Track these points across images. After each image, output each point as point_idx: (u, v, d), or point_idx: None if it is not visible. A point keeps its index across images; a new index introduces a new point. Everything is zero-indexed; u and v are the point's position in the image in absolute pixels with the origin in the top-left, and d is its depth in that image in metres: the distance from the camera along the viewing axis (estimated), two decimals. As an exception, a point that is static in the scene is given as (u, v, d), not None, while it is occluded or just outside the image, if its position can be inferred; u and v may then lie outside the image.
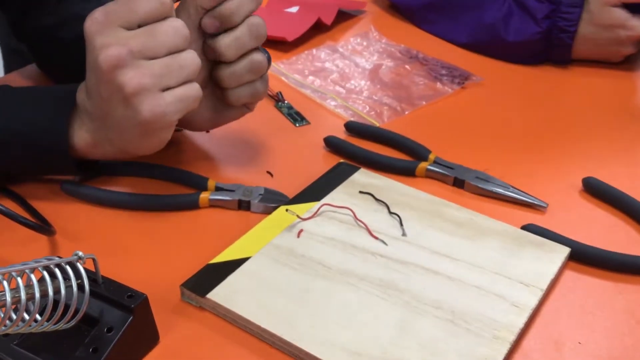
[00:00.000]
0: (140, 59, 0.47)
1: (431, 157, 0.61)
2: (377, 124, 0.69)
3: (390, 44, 0.85)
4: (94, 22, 0.48)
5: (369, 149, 0.63)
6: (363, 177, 0.59)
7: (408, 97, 0.74)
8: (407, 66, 0.80)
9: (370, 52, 0.83)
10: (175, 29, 0.48)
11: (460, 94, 0.75)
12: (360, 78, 0.77)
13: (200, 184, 0.57)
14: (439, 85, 0.76)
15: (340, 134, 0.66)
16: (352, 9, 0.94)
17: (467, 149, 0.65)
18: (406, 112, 0.71)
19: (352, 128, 0.67)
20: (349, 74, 0.77)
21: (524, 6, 0.80)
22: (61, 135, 0.51)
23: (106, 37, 0.47)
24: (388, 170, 0.61)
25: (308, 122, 0.68)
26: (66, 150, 0.52)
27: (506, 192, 0.58)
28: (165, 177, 0.59)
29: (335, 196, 0.56)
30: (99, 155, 0.53)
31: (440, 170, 0.60)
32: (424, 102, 0.73)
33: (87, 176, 0.58)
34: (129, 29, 0.48)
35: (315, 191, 0.56)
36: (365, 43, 0.85)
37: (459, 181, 0.59)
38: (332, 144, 0.64)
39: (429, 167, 0.60)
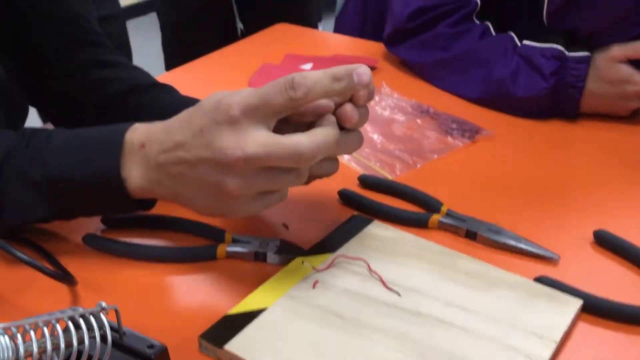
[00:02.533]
0: (253, 170, 0.47)
1: (443, 209, 0.63)
2: (390, 177, 0.70)
3: (402, 99, 0.87)
4: (228, 114, 0.47)
5: (382, 202, 0.64)
6: (377, 229, 0.60)
7: (420, 150, 0.75)
8: (418, 120, 0.82)
9: (383, 107, 0.85)
10: (298, 178, 0.49)
11: (470, 147, 0.77)
12: (373, 132, 0.79)
13: (218, 236, 0.59)
14: (449, 139, 0.78)
15: (354, 187, 0.68)
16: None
17: (478, 201, 0.66)
18: (418, 165, 0.72)
19: (366, 181, 0.68)
20: (362, 129, 0.79)
21: (532, 62, 0.82)
22: (115, 181, 0.52)
23: (235, 135, 0.47)
24: (401, 223, 0.62)
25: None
26: (123, 195, 0.52)
27: (518, 245, 0.59)
28: (184, 229, 0.60)
29: (350, 248, 0.57)
30: (153, 196, 0.54)
31: (453, 223, 0.61)
32: (435, 156, 0.74)
33: (145, 210, 0.57)
34: (264, 125, 0.48)
35: (330, 243, 0.58)
36: (377, 98, 0.87)
37: (471, 233, 0.60)
38: (346, 197, 0.65)
39: (442, 219, 0.61)
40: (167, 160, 0.51)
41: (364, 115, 0.53)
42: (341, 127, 0.53)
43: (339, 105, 0.52)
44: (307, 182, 0.58)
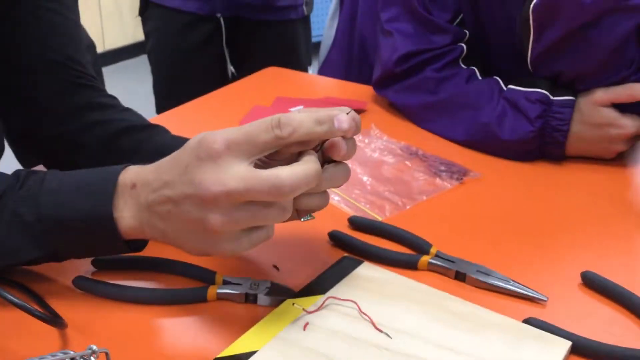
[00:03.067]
0: (234, 205, 0.48)
1: (432, 250, 0.63)
2: (380, 219, 0.71)
3: (391, 141, 0.89)
4: (210, 148, 0.48)
5: (372, 243, 0.64)
6: (367, 270, 0.60)
7: (409, 192, 0.76)
8: (407, 162, 0.83)
9: (372, 149, 0.86)
10: (281, 213, 0.49)
11: (459, 189, 0.78)
12: (363, 174, 0.80)
13: (208, 278, 0.59)
14: (438, 180, 0.79)
15: (345, 228, 0.68)
16: (354, 108, 0.98)
17: (467, 242, 0.67)
18: (407, 207, 0.73)
19: (356, 222, 0.69)
20: (352, 170, 0.81)
21: (517, 106, 0.84)
22: (108, 222, 0.52)
23: (216, 170, 0.48)
24: (391, 264, 0.62)
25: (313, 217, 0.71)
26: (115, 235, 0.53)
27: (507, 286, 0.59)
28: (174, 271, 0.60)
29: (340, 289, 0.57)
30: (144, 237, 0.55)
31: (442, 264, 0.61)
32: (424, 197, 0.75)
33: (136, 251, 0.58)
34: (246, 160, 0.49)
35: (321, 284, 0.58)
36: (367, 140, 0.88)
37: (460, 274, 0.61)
38: (336, 239, 0.66)
39: (431, 260, 0.62)
40: (155, 200, 0.51)
41: (352, 148, 0.54)
42: (330, 160, 0.54)
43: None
44: (299, 217, 0.59)
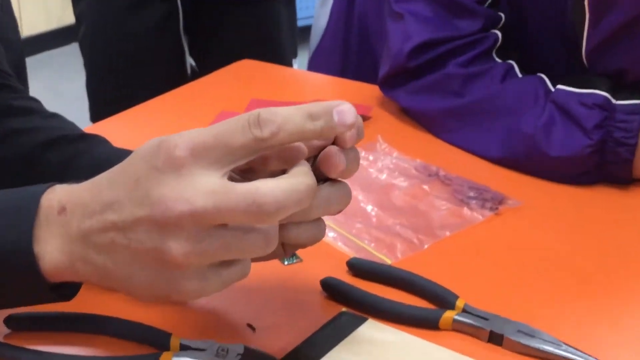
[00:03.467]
0: (203, 230, 0.48)
1: (459, 304, 0.64)
2: (389, 262, 0.71)
3: (403, 158, 0.89)
4: (171, 155, 0.48)
5: (378, 294, 0.65)
6: (372, 330, 0.60)
7: (427, 226, 0.77)
8: (425, 186, 0.84)
9: (378, 169, 0.87)
10: (262, 242, 0.49)
11: (493, 221, 0.78)
12: (366, 202, 0.81)
13: (161, 341, 0.59)
14: (466, 210, 0.79)
15: (342, 274, 0.69)
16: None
17: (504, 293, 0.67)
18: (425, 246, 0.74)
19: (357, 267, 0.69)
20: (353, 196, 0.81)
21: (569, 113, 0.85)
22: (25, 258, 0.51)
23: (179, 183, 0.48)
24: (404, 322, 0.62)
25: (300, 259, 0.71)
26: (36, 276, 0.52)
27: (558, 351, 0.60)
28: (116, 331, 0.60)
29: (337, 355, 0.57)
30: (76, 279, 0.54)
31: (472, 322, 0.62)
32: (447, 233, 0.76)
33: (66, 299, 0.57)
34: (217, 170, 0.49)
35: (311, 350, 0.58)
36: (371, 157, 0.89)
37: (496, 336, 0.61)
38: (331, 288, 0.66)
39: (457, 317, 0.62)
40: (93, 227, 0.51)
41: (353, 161, 0.54)
42: (325, 178, 0.54)
43: (319, 149, 0.54)
44: (286, 254, 0.59)
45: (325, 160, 0.53)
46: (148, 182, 0.49)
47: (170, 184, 0.48)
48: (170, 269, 0.49)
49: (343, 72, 1.19)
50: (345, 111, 0.51)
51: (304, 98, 1.06)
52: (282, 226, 0.53)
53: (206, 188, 0.48)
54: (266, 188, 0.48)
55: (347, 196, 0.55)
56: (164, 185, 0.48)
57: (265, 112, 0.49)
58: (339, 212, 0.56)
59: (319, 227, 0.55)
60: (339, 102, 0.51)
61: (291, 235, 0.54)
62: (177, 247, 0.48)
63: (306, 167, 0.51)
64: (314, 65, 1.24)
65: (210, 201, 0.47)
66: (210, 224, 0.48)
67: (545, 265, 0.72)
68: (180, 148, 0.48)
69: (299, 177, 0.49)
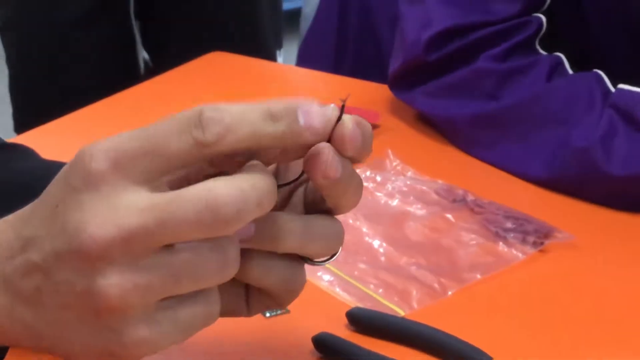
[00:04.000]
0: (139, 258, 0.48)
1: (493, 368, 0.64)
2: (402, 313, 0.71)
3: (420, 178, 0.90)
4: (88, 170, 0.48)
5: (387, 355, 0.65)
6: (380, 402, 0.61)
7: (452, 266, 0.77)
8: (448, 215, 0.84)
9: (389, 193, 0.87)
10: (222, 257, 0.49)
11: (537, 261, 0.79)
12: (373, 235, 0.81)
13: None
14: (501, 247, 0.80)
15: (340, 328, 0.68)
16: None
17: (551, 351, 0.67)
18: (449, 292, 0.74)
19: (360, 319, 0.69)
20: (354, 229, 0.81)
21: (634, 120, 0.86)
22: None
23: (101, 203, 0.48)
24: (422, 391, 0.63)
25: (286, 310, 0.71)
26: None
27: None
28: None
29: None
30: (3, 342, 0.54)
31: (510, 391, 0.62)
32: (478, 276, 0.76)
33: None
34: (146, 183, 0.49)
35: None
36: (379, 178, 0.89)
37: (541, 409, 0.61)
38: (326, 347, 0.66)
39: (491, 385, 0.62)
40: (17, 270, 0.51)
41: (353, 187, 0.54)
42: (313, 208, 0.55)
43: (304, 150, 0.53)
44: (250, 309, 0.59)
45: (311, 161, 0.52)
46: (65, 207, 0.49)
47: (89, 205, 0.48)
48: (107, 315, 0.49)
49: (337, 65, 1.19)
50: (312, 112, 0.51)
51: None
52: (244, 257, 0.52)
53: (138, 204, 0.48)
54: (220, 188, 0.48)
55: (336, 234, 0.55)
56: (82, 207, 0.48)
57: (209, 109, 0.48)
58: (323, 253, 0.56)
59: (294, 270, 0.55)
60: (305, 100, 0.51)
61: (254, 272, 0.54)
62: (108, 284, 0.48)
63: (260, 164, 0.51)
64: (305, 58, 1.25)
65: (149, 217, 0.47)
66: (147, 248, 0.48)
67: (605, 315, 0.72)
68: (98, 160, 0.48)
69: (257, 174, 0.49)
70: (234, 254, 0.50)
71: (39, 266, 0.50)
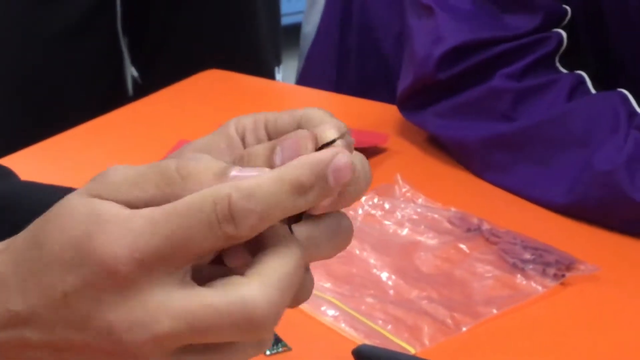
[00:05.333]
0: (171, 353, 0.49)
1: (512, 409, 0.64)
2: (413, 351, 0.71)
3: (432, 205, 0.90)
4: (112, 272, 0.48)
5: (399, 396, 0.65)
6: None
7: (466, 300, 0.77)
8: (462, 245, 0.84)
9: (398, 221, 0.88)
10: (257, 347, 0.50)
11: (558, 294, 0.79)
12: (380, 267, 0.81)
13: None
14: (520, 279, 0.80)
15: (347, 368, 0.69)
16: (365, 146, 1.00)
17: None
18: (463, 329, 0.74)
19: (367, 357, 0.69)
20: (360, 260, 0.82)
21: (662, 143, 0.86)
22: None
23: (130, 305, 0.49)
24: None
25: (288, 347, 0.71)
26: None
27: None
28: None
29: None
30: None
31: None
32: (494, 310, 0.76)
33: None
34: (174, 276, 0.49)
35: None
36: (387, 205, 0.90)
37: None
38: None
39: None
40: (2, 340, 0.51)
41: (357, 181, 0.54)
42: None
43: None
44: None
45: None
46: (84, 303, 0.49)
47: (118, 307, 0.48)
48: None
49: (339, 84, 1.20)
50: (342, 168, 0.51)
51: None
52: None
53: (168, 306, 0.48)
54: (257, 299, 0.48)
55: (345, 231, 0.56)
56: (110, 308, 0.48)
57: (238, 199, 0.49)
58: (334, 254, 0.56)
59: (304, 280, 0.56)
60: (332, 151, 0.51)
61: None
62: None
63: (289, 239, 0.51)
64: (305, 77, 1.26)
65: (181, 322, 0.48)
66: (179, 346, 0.49)
67: (632, 357, 0.72)
68: (124, 261, 0.48)
69: (289, 262, 0.49)
70: (268, 341, 0.50)
71: (44, 344, 0.51)
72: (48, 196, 0.61)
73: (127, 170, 0.50)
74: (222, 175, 0.48)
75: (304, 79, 1.27)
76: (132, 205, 0.49)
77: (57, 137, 1.04)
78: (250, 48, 1.54)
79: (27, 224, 0.53)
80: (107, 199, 0.49)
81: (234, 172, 0.48)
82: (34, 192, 0.53)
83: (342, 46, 1.21)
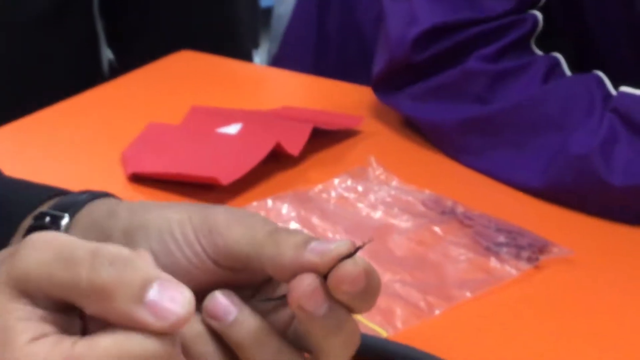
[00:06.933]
0: None
1: (483, 393, 0.64)
2: (384, 334, 0.71)
3: (406, 188, 0.90)
4: None
5: (369, 380, 0.65)
6: None
7: (439, 284, 0.77)
8: (436, 228, 0.84)
9: (371, 204, 0.87)
10: None
11: (532, 278, 0.78)
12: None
13: None
14: (493, 262, 0.79)
15: (318, 351, 0.68)
16: (338, 128, 1.00)
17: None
18: (437, 312, 0.74)
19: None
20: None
21: (637, 125, 0.86)
22: None
23: None
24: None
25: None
26: None
27: None
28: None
29: None
30: None
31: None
32: (468, 294, 0.76)
33: None
34: None
35: None
36: (360, 188, 0.89)
37: None
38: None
39: (480, 411, 0.62)
40: None
41: (334, 327, 0.52)
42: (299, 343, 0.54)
43: None
44: None
45: (291, 285, 0.52)
46: None
47: None
48: None
49: (317, 66, 1.19)
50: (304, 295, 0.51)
51: (266, 104, 1.06)
52: None
53: None
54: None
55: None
56: None
57: None
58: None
59: None
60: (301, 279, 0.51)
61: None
62: None
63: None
64: (281, 59, 1.25)
65: None
66: None
67: (603, 339, 0.72)
68: None
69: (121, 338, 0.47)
70: None
71: None
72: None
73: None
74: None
75: (278, 61, 1.26)
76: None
77: (32, 116, 1.03)
78: (228, 31, 1.54)
79: None
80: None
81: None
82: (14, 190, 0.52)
83: (321, 28, 1.20)
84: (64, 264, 0.47)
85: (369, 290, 0.52)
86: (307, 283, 0.51)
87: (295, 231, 0.53)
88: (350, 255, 0.51)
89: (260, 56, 1.69)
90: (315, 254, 0.51)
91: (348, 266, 0.51)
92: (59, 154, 0.97)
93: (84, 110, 1.06)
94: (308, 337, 0.53)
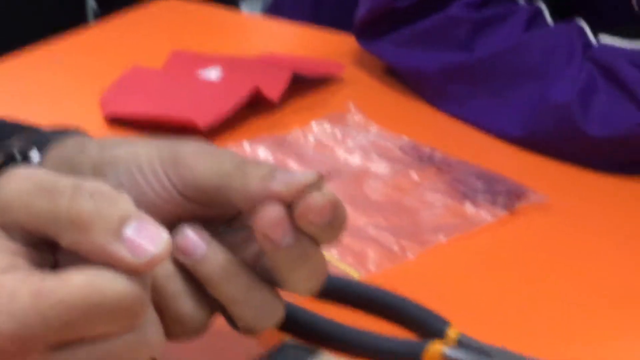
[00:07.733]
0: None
1: (451, 333, 0.64)
2: (357, 276, 0.71)
3: (384, 134, 0.90)
4: None
5: (338, 321, 0.65)
6: (327, 368, 0.61)
7: (414, 228, 0.77)
8: (413, 174, 0.84)
9: (349, 149, 0.87)
10: (141, 337, 0.47)
11: (507, 224, 0.79)
12: (328, 194, 0.81)
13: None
14: (469, 208, 0.80)
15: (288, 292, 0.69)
16: (318, 75, 1.00)
17: (515, 319, 0.68)
18: (410, 255, 0.74)
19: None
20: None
21: (615, 76, 0.86)
22: None
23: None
24: (373, 357, 0.63)
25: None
26: None
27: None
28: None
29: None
30: None
31: (467, 357, 0.62)
32: (442, 238, 0.76)
33: None
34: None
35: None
36: (339, 133, 0.90)
37: (501, 378, 0.62)
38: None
39: (447, 350, 0.62)
40: None
41: (300, 258, 0.53)
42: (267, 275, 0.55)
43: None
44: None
45: (257, 215, 0.53)
46: None
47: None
48: None
49: (315, 15, 1.19)
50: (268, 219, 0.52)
51: (250, 49, 1.06)
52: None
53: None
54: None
55: (270, 312, 0.56)
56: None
57: None
58: (253, 323, 0.56)
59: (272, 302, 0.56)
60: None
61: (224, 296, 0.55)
62: None
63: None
64: (280, 5, 1.25)
65: (32, 315, 0.45)
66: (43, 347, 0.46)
67: (576, 283, 0.73)
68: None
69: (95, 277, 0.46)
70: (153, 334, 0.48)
71: None
72: None
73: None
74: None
75: (275, 9, 1.26)
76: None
77: (7, 59, 1.04)
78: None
79: None
80: None
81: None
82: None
83: None
84: (45, 194, 0.47)
85: (335, 221, 0.53)
86: (272, 211, 0.52)
87: (262, 163, 0.54)
88: (316, 186, 0.52)
89: (248, 4, 1.68)
90: (281, 183, 0.52)
91: (315, 196, 0.52)
92: (38, 96, 0.97)
93: (65, 54, 1.06)
94: (274, 270, 0.54)
